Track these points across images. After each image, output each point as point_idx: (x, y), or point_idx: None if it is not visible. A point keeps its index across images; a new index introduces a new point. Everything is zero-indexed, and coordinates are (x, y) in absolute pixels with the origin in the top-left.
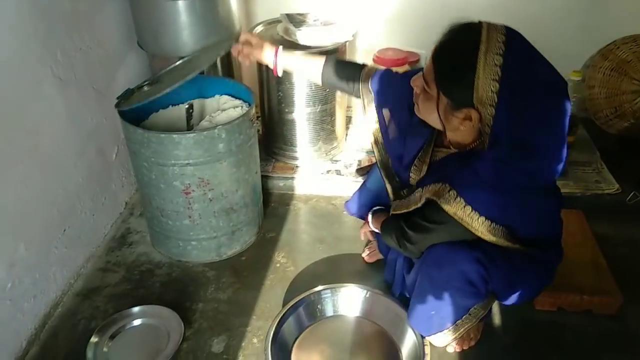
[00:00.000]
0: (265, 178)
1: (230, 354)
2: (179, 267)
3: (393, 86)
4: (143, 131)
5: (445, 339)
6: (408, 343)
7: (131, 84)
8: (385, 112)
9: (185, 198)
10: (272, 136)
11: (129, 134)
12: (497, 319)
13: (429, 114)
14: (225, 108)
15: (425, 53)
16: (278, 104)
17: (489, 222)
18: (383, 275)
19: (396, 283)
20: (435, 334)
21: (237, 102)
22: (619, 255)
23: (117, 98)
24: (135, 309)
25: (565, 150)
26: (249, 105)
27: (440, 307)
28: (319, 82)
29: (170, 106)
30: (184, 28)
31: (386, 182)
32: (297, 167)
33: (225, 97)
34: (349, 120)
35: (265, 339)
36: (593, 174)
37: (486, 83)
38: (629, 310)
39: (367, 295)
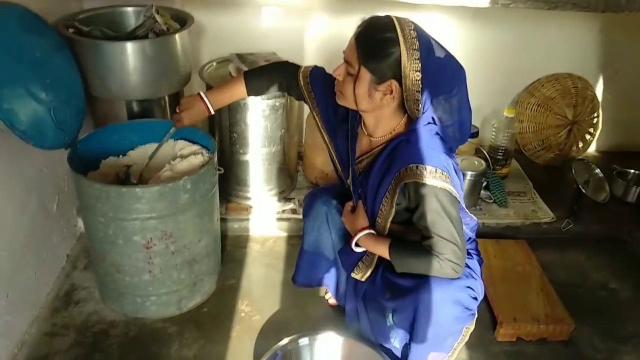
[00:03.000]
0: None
1: None
2: (136, 325)
3: (327, 82)
4: (101, 185)
5: None
6: None
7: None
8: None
9: (146, 253)
10: (225, 177)
11: (83, 188)
12: (463, 354)
13: (351, 96)
14: (184, 155)
15: None
16: (231, 145)
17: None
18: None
19: (365, 331)
20: None
21: (195, 147)
22: (561, 281)
23: (65, 148)
24: None
25: (469, 115)
26: (209, 150)
27: (441, 342)
28: (246, 98)
29: (110, 157)
30: (132, 72)
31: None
32: (250, 207)
33: (182, 143)
34: (299, 156)
35: None
36: (529, 204)
37: (409, 53)
38: (579, 334)
39: (345, 343)
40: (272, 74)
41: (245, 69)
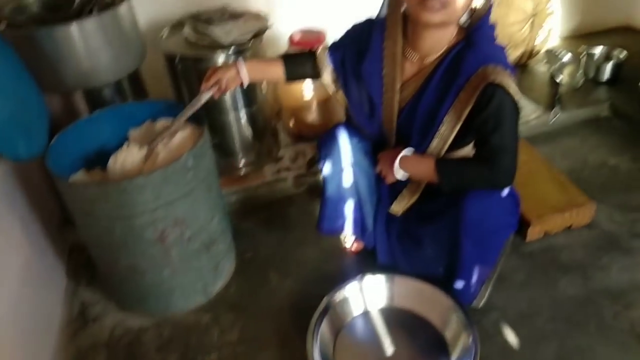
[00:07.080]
0: None
1: None
2: (167, 324)
3: (342, 47)
4: (99, 184)
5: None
6: (450, 324)
7: None
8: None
9: (162, 246)
10: None
11: (76, 193)
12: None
13: (462, 5)
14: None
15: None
16: (207, 114)
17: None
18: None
19: (402, 266)
20: (478, 290)
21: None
22: (566, 169)
23: (39, 155)
24: None
25: None
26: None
27: (487, 256)
28: (283, 81)
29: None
30: (88, 56)
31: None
32: (242, 175)
33: (161, 122)
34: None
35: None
36: None
37: None
38: (598, 214)
39: (391, 281)
40: (304, 61)
41: (208, 27)
